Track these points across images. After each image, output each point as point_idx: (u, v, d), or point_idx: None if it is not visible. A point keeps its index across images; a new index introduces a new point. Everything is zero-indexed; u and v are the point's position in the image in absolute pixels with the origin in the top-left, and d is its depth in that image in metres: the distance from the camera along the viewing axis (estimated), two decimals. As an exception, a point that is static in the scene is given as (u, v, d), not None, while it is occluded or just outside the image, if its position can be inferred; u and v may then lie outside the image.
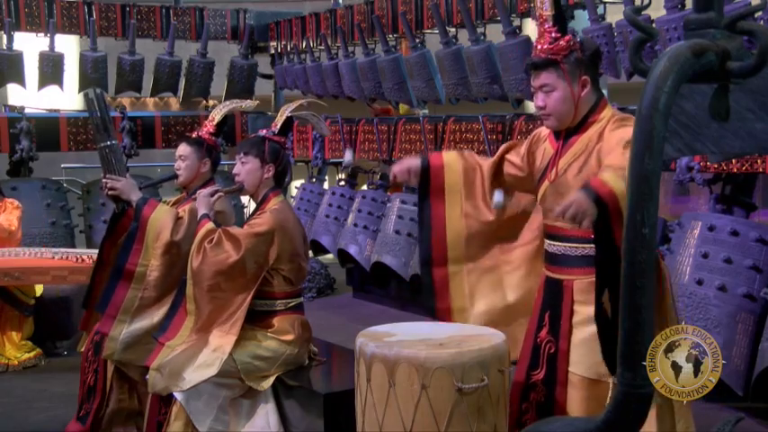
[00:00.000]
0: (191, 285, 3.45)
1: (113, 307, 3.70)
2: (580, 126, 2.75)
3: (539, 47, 2.73)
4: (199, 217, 3.56)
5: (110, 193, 3.86)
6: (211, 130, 3.96)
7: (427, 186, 3.08)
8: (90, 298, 4.03)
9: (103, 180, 3.88)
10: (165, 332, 3.46)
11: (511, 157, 3.01)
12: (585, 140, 2.73)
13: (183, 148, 3.92)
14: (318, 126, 3.92)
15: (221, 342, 3.36)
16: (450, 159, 3.09)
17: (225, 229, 3.48)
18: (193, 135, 4.00)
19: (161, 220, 3.71)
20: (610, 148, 2.61)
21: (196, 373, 3.29)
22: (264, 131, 3.66)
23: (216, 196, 3.60)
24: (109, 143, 3.93)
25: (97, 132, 3.96)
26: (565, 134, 2.79)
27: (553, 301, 2.79)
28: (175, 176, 4.03)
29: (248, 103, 4.16)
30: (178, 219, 3.74)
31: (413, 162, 3.09)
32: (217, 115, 3.96)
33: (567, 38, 2.69)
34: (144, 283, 3.69)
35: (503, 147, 3.09)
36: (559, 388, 2.75)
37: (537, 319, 2.85)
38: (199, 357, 3.32)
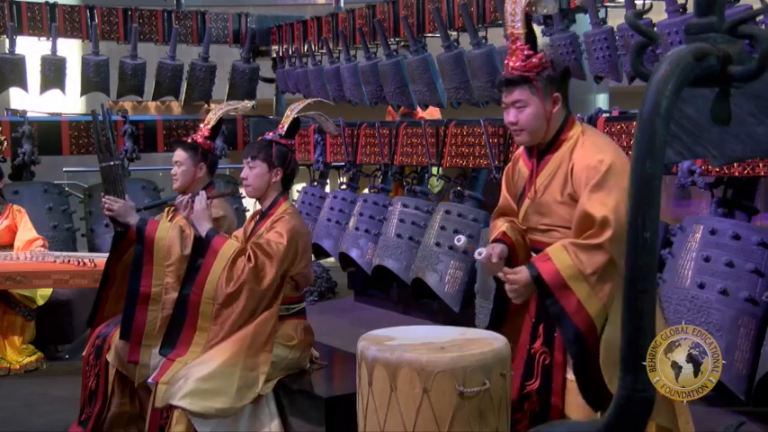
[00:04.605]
0: (210, 304, 3.42)
1: (137, 334, 3.66)
2: (552, 144, 2.80)
3: (510, 64, 2.76)
4: (206, 234, 3.53)
5: (107, 213, 3.85)
6: (206, 134, 3.95)
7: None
8: (95, 316, 4.02)
9: (103, 199, 3.89)
10: (174, 349, 3.43)
11: (510, 214, 2.97)
12: (559, 159, 2.78)
13: (179, 154, 3.91)
14: (325, 125, 3.90)
15: (257, 361, 3.36)
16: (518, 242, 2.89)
17: (259, 247, 3.44)
18: (188, 139, 3.98)
19: (167, 238, 3.69)
20: (579, 182, 2.67)
21: (237, 396, 3.28)
22: (271, 134, 3.64)
23: (207, 202, 3.58)
24: (111, 163, 3.93)
25: (99, 151, 3.96)
26: (538, 153, 2.83)
27: (547, 314, 2.77)
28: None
29: (245, 104, 4.14)
30: (183, 233, 3.73)
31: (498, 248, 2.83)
32: (212, 119, 3.95)
33: (539, 55, 2.74)
34: (162, 303, 3.66)
35: (496, 214, 3.02)
36: (554, 397, 2.76)
37: (530, 331, 2.85)
38: (237, 380, 3.30)
